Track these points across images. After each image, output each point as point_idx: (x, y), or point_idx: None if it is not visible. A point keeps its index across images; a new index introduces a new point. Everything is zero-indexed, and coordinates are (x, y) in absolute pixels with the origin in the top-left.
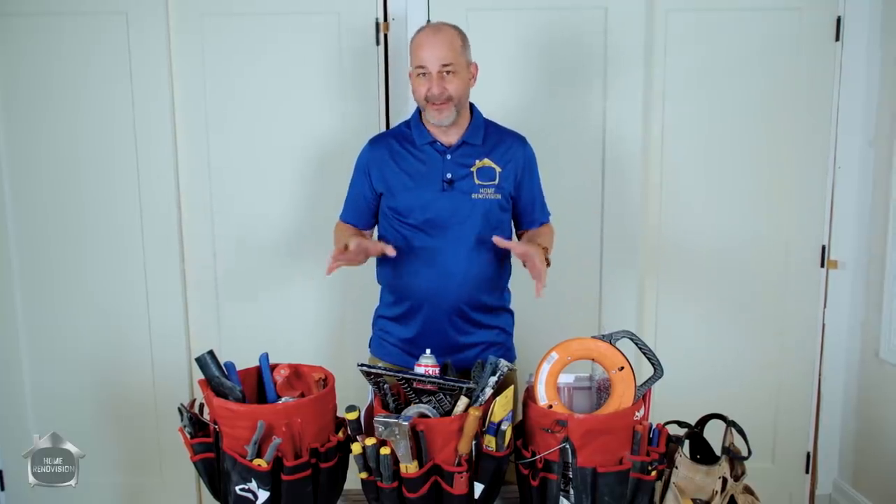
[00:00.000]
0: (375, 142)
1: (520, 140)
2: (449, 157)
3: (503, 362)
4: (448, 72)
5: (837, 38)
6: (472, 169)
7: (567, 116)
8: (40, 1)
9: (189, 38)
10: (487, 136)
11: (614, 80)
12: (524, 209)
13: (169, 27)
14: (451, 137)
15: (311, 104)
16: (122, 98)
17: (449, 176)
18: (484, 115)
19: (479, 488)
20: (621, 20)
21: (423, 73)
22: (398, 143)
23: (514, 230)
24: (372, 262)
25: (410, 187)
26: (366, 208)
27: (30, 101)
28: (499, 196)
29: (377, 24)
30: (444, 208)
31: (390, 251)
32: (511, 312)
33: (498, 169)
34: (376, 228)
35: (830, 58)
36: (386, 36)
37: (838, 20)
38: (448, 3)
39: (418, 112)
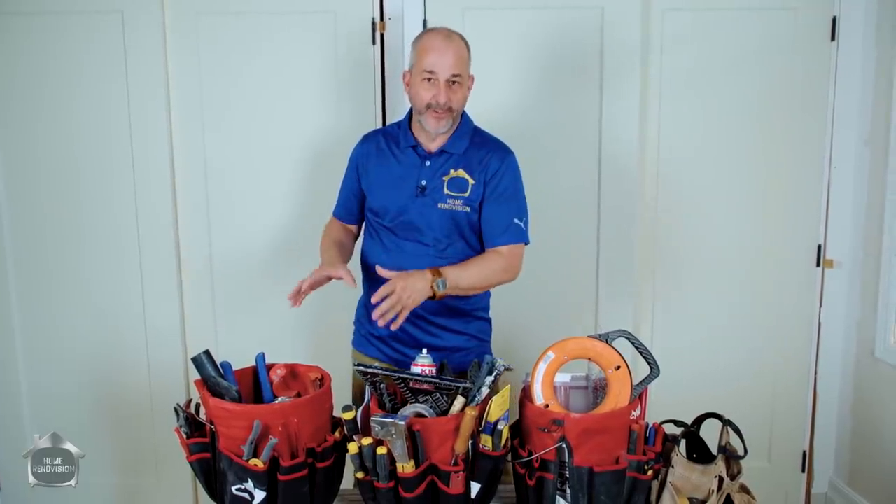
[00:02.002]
0: (367, 138)
1: (500, 152)
2: (428, 163)
3: (500, 361)
4: (456, 82)
5: (833, 38)
6: (444, 178)
7: (563, 116)
8: (35, 0)
9: (185, 36)
10: (471, 145)
11: (611, 79)
12: (483, 224)
13: (164, 26)
14: (433, 144)
15: (307, 103)
16: (118, 97)
17: (423, 183)
18: (475, 122)
19: (475, 488)
20: (617, 20)
21: (430, 80)
22: (385, 143)
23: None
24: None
25: (387, 188)
26: (355, 204)
27: (25, 99)
28: (468, 209)
29: (373, 24)
30: (414, 214)
31: (349, 282)
32: (487, 320)
33: (471, 181)
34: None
35: (826, 57)
36: (382, 35)
37: (833, 20)
38: (445, 3)
39: (409, 114)
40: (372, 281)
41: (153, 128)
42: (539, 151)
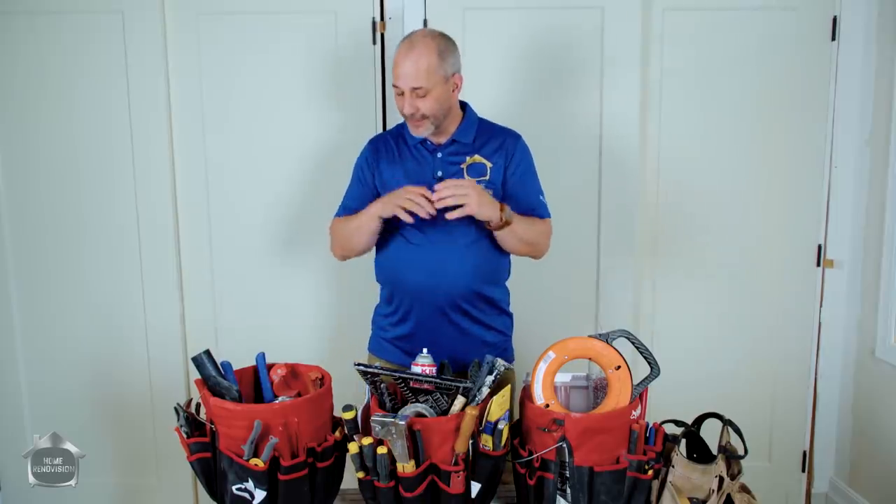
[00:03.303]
0: (373, 141)
1: (512, 136)
2: (440, 155)
3: (500, 361)
4: (419, 95)
5: (833, 38)
6: (462, 166)
7: (564, 115)
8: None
9: (185, 37)
10: (479, 134)
11: (611, 79)
12: (514, 206)
13: (165, 26)
14: (441, 137)
15: (307, 103)
16: (119, 97)
17: (440, 174)
18: (479, 115)
19: (475, 487)
20: (618, 19)
21: (400, 93)
22: (394, 142)
23: None
24: (371, 261)
25: (403, 185)
26: (368, 201)
27: (25, 99)
28: (490, 191)
29: (373, 24)
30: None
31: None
32: (510, 315)
33: (488, 164)
34: None
35: (826, 57)
36: (383, 35)
37: (834, 19)
38: (445, 3)
39: None
40: (391, 285)
41: (154, 128)
42: (540, 150)
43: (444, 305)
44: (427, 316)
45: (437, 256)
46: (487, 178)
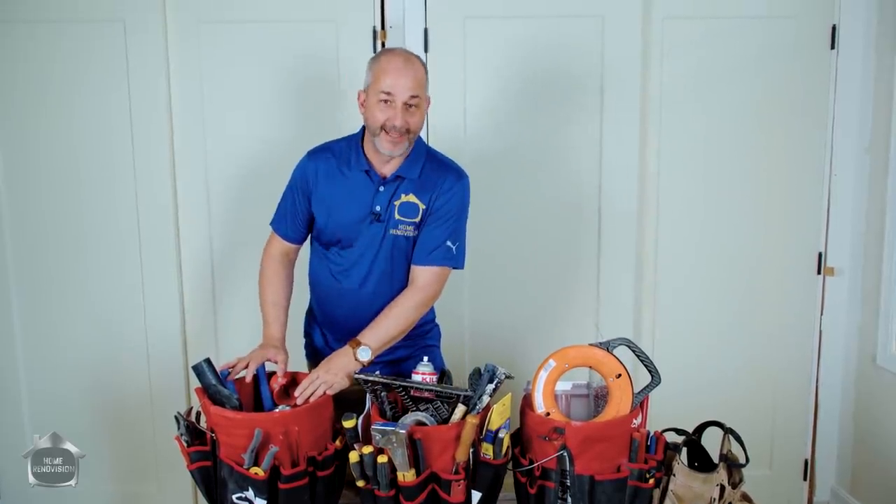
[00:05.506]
0: (314, 156)
1: (453, 176)
2: (382, 189)
3: (501, 370)
4: (413, 105)
5: (833, 46)
6: (395, 203)
7: (564, 122)
8: (38, 7)
9: (186, 45)
10: (424, 170)
11: (611, 86)
12: (417, 241)
13: (166, 34)
14: (387, 168)
15: (308, 111)
16: (120, 105)
17: (378, 209)
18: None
19: (476, 496)
20: (618, 28)
21: (387, 101)
22: (336, 163)
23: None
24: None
25: (339, 213)
26: (302, 222)
27: (27, 107)
28: (417, 233)
29: (374, 32)
30: (364, 239)
31: (280, 370)
32: (427, 329)
33: (422, 206)
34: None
35: (826, 65)
36: (384, 44)
37: (833, 28)
38: (446, 11)
39: (363, 133)
40: (320, 297)
41: (155, 135)
42: (540, 158)
43: (350, 331)
44: (340, 335)
45: (354, 287)
46: (418, 220)
